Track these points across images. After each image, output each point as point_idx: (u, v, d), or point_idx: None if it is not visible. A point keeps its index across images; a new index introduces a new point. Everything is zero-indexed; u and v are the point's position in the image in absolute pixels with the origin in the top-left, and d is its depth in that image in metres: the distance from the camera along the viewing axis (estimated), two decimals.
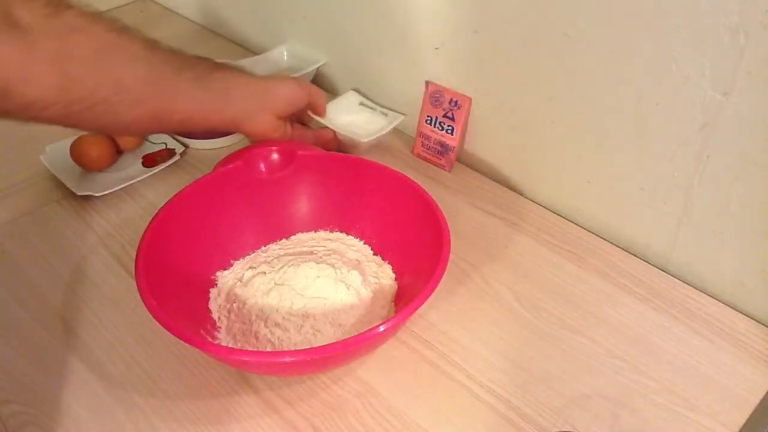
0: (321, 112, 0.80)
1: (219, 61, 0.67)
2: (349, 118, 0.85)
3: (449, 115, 0.80)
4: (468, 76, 0.78)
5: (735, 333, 0.62)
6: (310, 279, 0.61)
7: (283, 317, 0.58)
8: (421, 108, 0.83)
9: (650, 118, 0.63)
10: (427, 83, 0.81)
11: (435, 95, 0.81)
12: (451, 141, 0.81)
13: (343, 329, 0.58)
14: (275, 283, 0.61)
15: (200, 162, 0.84)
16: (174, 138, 0.86)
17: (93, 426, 0.55)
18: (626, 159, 0.67)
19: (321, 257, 0.64)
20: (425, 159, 0.84)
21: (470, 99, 0.78)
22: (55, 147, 0.82)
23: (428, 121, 0.82)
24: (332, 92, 0.98)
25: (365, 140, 0.80)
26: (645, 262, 0.70)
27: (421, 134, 0.84)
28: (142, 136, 0.84)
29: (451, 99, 0.79)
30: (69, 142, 0.80)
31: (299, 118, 0.79)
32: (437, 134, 0.82)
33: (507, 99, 0.75)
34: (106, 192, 0.77)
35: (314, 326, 0.58)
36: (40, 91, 0.50)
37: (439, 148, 0.82)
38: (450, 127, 0.81)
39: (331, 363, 0.56)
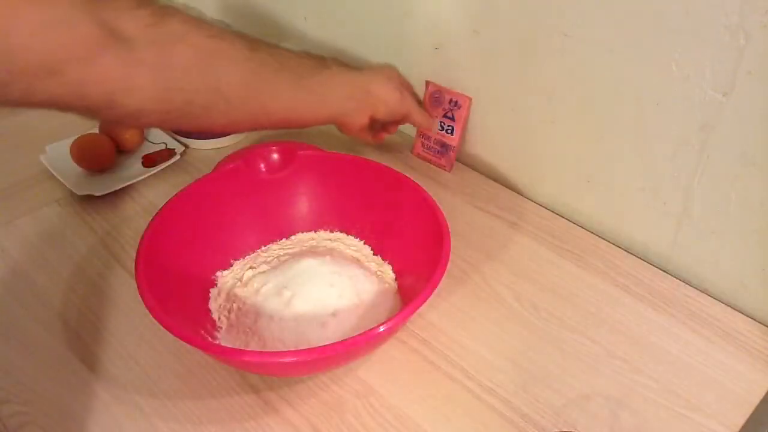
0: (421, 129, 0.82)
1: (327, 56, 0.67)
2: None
3: (449, 115, 0.80)
4: (468, 76, 0.78)
5: (735, 333, 0.62)
6: (310, 279, 0.61)
7: (283, 317, 0.58)
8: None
9: (650, 118, 0.63)
10: (427, 83, 0.81)
11: (435, 95, 0.81)
12: (451, 141, 0.81)
13: (343, 329, 0.58)
14: (275, 284, 0.61)
15: (200, 162, 0.84)
16: (174, 138, 0.86)
17: (93, 426, 0.55)
18: (626, 159, 0.67)
19: (321, 257, 0.64)
20: (425, 159, 0.84)
21: (470, 99, 0.78)
22: (55, 147, 0.82)
23: None
24: None
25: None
26: (645, 262, 0.70)
27: (421, 134, 0.84)
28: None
29: (451, 99, 0.79)
30: (69, 142, 0.80)
31: (385, 127, 0.79)
32: (437, 134, 0.82)
33: (507, 99, 0.75)
34: (106, 192, 0.77)
35: (314, 326, 0.58)
36: (141, 102, 0.51)
37: (439, 148, 0.82)
38: (450, 127, 0.81)
39: (332, 363, 0.56)
